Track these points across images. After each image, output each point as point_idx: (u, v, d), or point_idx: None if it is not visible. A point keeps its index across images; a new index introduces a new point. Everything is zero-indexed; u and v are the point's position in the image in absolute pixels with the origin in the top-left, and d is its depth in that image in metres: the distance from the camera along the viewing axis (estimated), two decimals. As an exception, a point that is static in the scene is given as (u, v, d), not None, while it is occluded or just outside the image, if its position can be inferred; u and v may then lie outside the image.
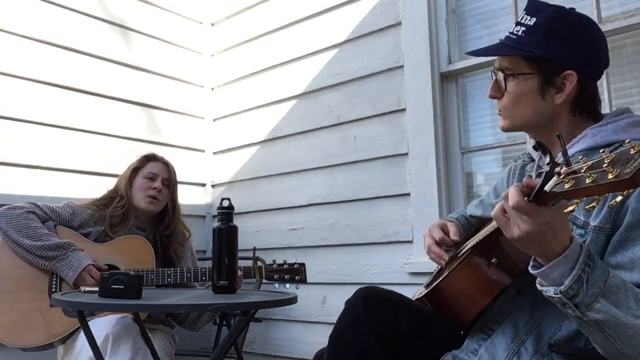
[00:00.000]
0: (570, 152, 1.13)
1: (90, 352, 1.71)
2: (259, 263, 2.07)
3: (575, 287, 0.91)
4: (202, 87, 3.37)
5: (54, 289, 1.98)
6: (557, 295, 0.93)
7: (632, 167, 0.71)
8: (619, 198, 0.75)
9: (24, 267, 1.97)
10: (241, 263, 1.80)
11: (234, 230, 1.65)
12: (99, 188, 2.37)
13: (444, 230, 1.38)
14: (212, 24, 3.43)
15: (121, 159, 2.42)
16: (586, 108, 1.18)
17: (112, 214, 2.14)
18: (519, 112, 1.19)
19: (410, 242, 2.36)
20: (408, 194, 2.39)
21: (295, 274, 2.05)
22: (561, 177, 0.81)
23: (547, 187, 0.84)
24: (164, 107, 3.14)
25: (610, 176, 0.73)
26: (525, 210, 0.89)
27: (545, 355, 1.09)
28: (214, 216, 3.18)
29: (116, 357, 1.73)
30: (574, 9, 1.23)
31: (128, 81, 2.97)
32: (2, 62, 2.48)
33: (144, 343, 1.83)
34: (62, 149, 2.65)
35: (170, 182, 2.28)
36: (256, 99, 3.10)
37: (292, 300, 1.55)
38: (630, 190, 0.73)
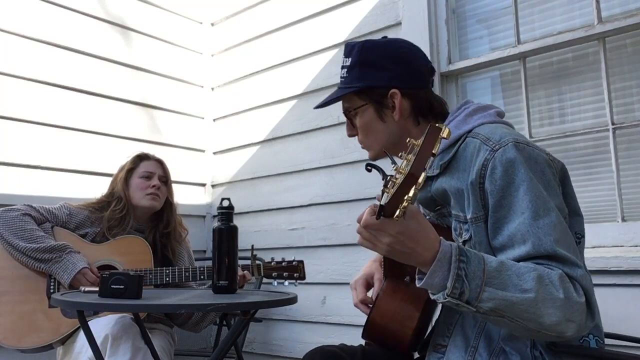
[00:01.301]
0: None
1: (89, 353, 1.71)
2: (257, 261, 2.05)
3: (458, 286, 0.95)
4: (202, 87, 3.37)
5: (52, 290, 1.98)
6: (446, 300, 0.97)
7: (410, 163, 0.84)
8: (411, 192, 0.84)
9: (22, 268, 1.97)
10: (240, 262, 1.80)
11: (234, 230, 1.65)
12: (98, 188, 2.37)
13: (369, 283, 1.41)
14: (212, 24, 3.43)
15: (121, 159, 2.41)
16: (427, 113, 1.29)
17: (111, 217, 2.14)
18: (372, 140, 1.31)
19: (410, 242, 2.35)
20: (408, 194, 2.39)
21: (294, 271, 2.03)
22: (386, 188, 0.90)
23: (382, 202, 0.92)
24: (164, 107, 3.14)
25: (401, 177, 0.85)
26: (375, 227, 0.95)
27: (500, 354, 1.11)
28: (214, 216, 3.18)
29: (116, 357, 1.73)
30: (386, 36, 1.38)
31: (128, 81, 2.97)
32: (1, 62, 2.48)
33: (143, 343, 1.84)
34: (62, 149, 2.65)
35: (166, 179, 2.29)
36: (256, 99, 3.10)
37: (292, 300, 1.55)
38: (420, 183, 0.84)
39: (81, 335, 1.87)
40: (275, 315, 2.81)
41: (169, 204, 2.29)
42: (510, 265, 1.00)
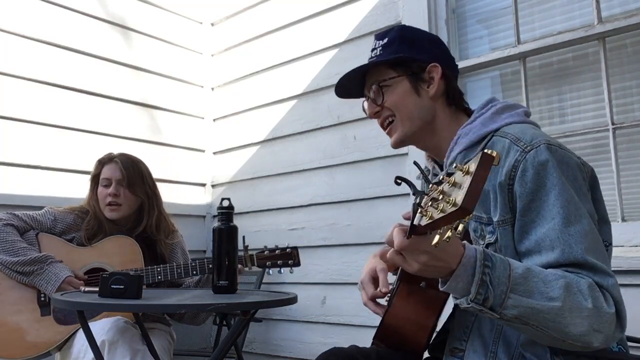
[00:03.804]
0: (452, 155, 1.20)
1: (88, 356, 1.71)
2: (250, 252, 2.01)
3: (482, 292, 0.92)
4: (202, 87, 3.37)
5: (42, 299, 1.96)
6: (469, 305, 0.93)
7: (461, 194, 0.73)
8: (460, 226, 0.76)
9: (9, 279, 1.94)
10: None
11: (234, 230, 1.65)
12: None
13: (375, 278, 1.34)
14: (212, 24, 3.42)
15: (121, 159, 2.41)
16: (457, 101, 1.26)
17: (86, 228, 2.10)
18: (404, 115, 1.25)
19: (410, 242, 2.35)
20: (408, 194, 2.39)
21: (288, 258, 2.00)
22: (422, 209, 0.83)
23: (415, 222, 0.86)
24: (164, 107, 3.13)
25: (449, 206, 0.75)
26: (411, 248, 0.91)
27: (519, 358, 1.08)
28: (214, 216, 3.18)
29: None
30: None
31: (128, 81, 2.97)
32: (1, 62, 2.48)
33: (140, 344, 1.82)
34: (62, 149, 2.65)
35: (126, 181, 2.12)
36: (256, 99, 3.09)
37: (292, 300, 1.55)
38: (469, 218, 0.75)
39: (78, 339, 1.86)
40: (275, 315, 2.81)
41: (144, 204, 2.18)
42: (537, 271, 0.97)
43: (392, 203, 2.45)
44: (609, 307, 0.97)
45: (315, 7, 2.83)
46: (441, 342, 1.26)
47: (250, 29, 3.17)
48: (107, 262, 2.05)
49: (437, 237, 0.80)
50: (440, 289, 0.98)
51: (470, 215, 0.75)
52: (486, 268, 0.93)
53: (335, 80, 2.80)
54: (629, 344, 1.43)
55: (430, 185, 0.83)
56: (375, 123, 2.67)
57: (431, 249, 0.88)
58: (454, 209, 0.74)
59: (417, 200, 0.86)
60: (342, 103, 2.71)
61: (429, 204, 0.81)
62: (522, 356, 1.08)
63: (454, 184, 0.77)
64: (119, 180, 2.13)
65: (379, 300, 1.29)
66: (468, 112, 1.26)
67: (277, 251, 2.01)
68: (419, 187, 1.33)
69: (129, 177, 2.14)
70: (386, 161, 2.49)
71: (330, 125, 2.72)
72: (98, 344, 1.69)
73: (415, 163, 1.13)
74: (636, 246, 1.84)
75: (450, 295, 1.06)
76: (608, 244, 1.15)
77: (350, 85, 1.35)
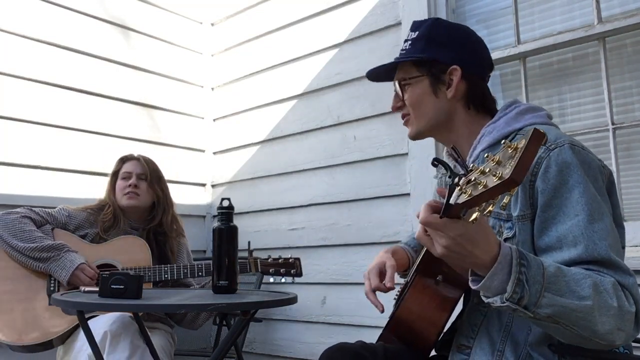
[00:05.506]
0: (475, 153, 1.21)
1: (89, 350, 1.71)
2: (254, 258, 2.07)
3: (519, 290, 0.92)
4: (202, 87, 3.37)
5: (52, 288, 2.00)
6: (504, 304, 0.93)
7: (510, 167, 0.74)
8: (506, 199, 0.77)
9: (21, 268, 2.00)
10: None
11: (234, 230, 1.65)
12: (98, 188, 2.38)
13: (382, 272, 1.36)
14: (212, 24, 3.43)
15: (121, 159, 2.42)
16: (479, 103, 1.27)
17: (103, 220, 2.19)
18: (419, 115, 1.29)
19: (410, 242, 2.35)
20: (408, 194, 2.39)
21: (291, 267, 2.06)
22: (461, 188, 0.83)
23: (451, 200, 0.86)
24: (164, 107, 3.14)
25: (495, 179, 0.76)
26: (436, 226, 0.91)
27: (526, 358, 1.09)
28: (214, 216, 3.18)
29: (115, 354, 1.75)
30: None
31: (128, 81, 2.97)
32: (1, 62, 2.48)
33: (142, 341, 1.85)
34: (62, 149, 2.65)
35: (146, 176, 2.28)
36: (256, 99, 3.10)
37: (292, 300, 1.55)
38: (515, 191, 0.76)
39: (81, 334, 1.87)
40: (275, 315, 2.81)
41: (159, 200, 2.29)
42: (566, 271, 0.97)
43: (392, 203, 2.45)
44: (630, 306, 0.98)
45: (315, 7, 2.83)
46: (448, 341, 1.26)
47: (250, 29, 3.17)
48: (117, 259, 2.10)
49: (475, 214, 0.81)
50: (472, 287, 0.98)
51: (516, 188, 0.75)
52: (522, 267, 0.92)
53: (335, 80, 2.83)
54: (632, 343, 1.43)
55: (471, 165, 0.84)
56: (375, 123, 2.68)
57: (458, 232, 0.90)
58: (500, 181, 0.74)
59: (455, 181, 0.86)
60: (342, 103, 2.72)
61: (467, 183, 0.82)
62: (529, 356, 1.08)
63: (499, 162, 0.77)
64: (139, 175, 2.27)
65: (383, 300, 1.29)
66: (492, 113, 1.27)
67: (280, 260, 2.07)
68: (434, 188, 1.33)
69: (150, 173, 2.29)
70: (386, 161, 2.49)
71: (330, 125, 2.72)
72: (101, 334, 1.74)
73: (437, 159, 1.12)
74: (636, 246, 1.84)
75: (462, 298, 1.06)
76: (622, 247, 1.15)
77: (381, 70, 1.38)
